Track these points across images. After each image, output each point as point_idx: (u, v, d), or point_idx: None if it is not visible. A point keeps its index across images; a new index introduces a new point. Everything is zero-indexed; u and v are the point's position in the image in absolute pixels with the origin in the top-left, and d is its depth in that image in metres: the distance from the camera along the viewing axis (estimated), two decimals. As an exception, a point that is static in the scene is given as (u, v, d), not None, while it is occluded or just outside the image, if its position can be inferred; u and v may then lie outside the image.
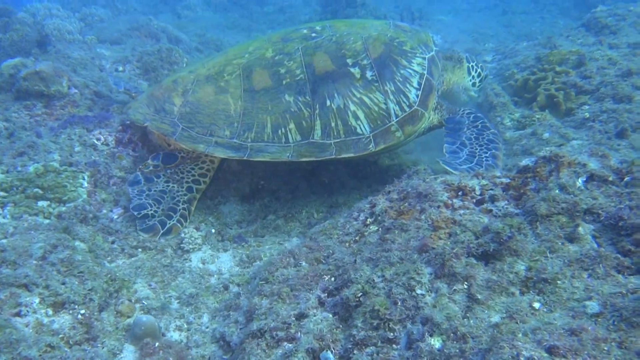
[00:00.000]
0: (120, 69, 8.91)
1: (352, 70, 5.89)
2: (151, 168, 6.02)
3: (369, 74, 5.89)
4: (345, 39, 6.12)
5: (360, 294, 3.57)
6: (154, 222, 5.48)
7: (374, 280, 3.60)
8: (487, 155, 5.62)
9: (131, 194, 5.72)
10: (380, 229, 4.31)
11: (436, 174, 4.96)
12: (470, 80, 7.18)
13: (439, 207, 4.14)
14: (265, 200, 6.34)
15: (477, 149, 5.77)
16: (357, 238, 4.46)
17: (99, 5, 13.74)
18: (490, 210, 3.98)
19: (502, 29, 16.22)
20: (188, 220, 5.76)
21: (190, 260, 5.21)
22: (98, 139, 6.33)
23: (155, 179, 5.93)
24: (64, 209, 5.36)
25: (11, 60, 7.10)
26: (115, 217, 5.56)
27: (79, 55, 8.96)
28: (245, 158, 5.76)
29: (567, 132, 6.60)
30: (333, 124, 5.77)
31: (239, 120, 5.83)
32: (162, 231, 5.45)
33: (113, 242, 5.16)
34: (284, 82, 5.88)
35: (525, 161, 4.44)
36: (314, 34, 6.25)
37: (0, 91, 6.96)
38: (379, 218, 4.45)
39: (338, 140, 5.78)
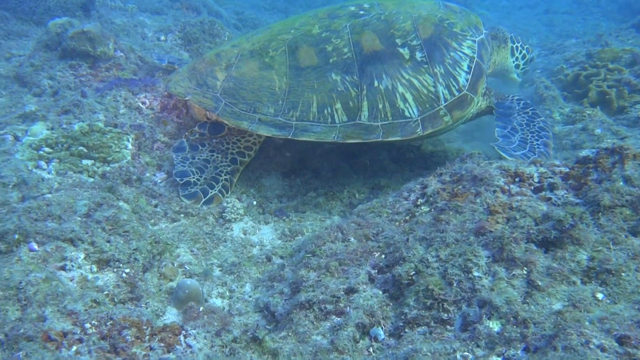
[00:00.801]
0: (162, 38, 8.86)
1: (401, 50, 5.73)
2: (197, 136, 5.92)
3: (418, 55, 5.73)
4: (394, 17, 5.94)
5: (413, 272, 3.51)
6: (196, 189, 5.41)
7: (427, 259, 3.53)
8: (538, 142, 5.51)
9: (175, 159, 5.64)
10: (432, 209, 4.22)
11: (490, 160, 4.86)
12: (514, 62, 7.00)
13: (495, 191, 4.05)
14: (306, 177, 6.23)
15: (528, 135, 5.65)
16: (407, 217, 4.38)
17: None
18: (549, 199, 3.89)
19: (544, 28, 15.98)
20: (230, 192, 5.67)
21: (232, 230, 5.15)
22: (143, 103, 6.28)
23: (200, 147, 5.84)
24: (108, 168, 5.32)
25: (59, 19, 7.07)
26: (159, 181, 5.51)
27: (122, 22, 8.92)
28: (289, 137, 5.62)
29: (619, 130, 6.46)
30: (380, 106, 5.62)
31: (283, 98, 5.67)
32: (204, 199, 5.38)
33: (156, 206, 5.10)
34: (330, 60, 5.72)
35: (585, 152, 4.33)
36: (362, 12, 6.07)
37: (46, 49, 6.92)
38: (431, 199, 4.36)
39: (385, 122, 5.63)
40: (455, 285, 3.31)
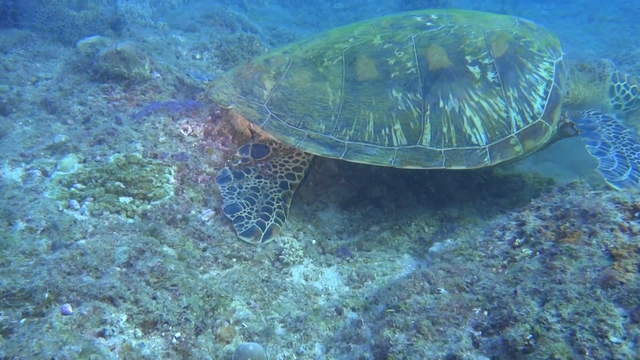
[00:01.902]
0: (198, 56, 8.33)
1: (471, 69, 5.13)
2: (240, 162, 5.43)
3: (490, 76, 5.13)
4: (465, 32, 5.35)
5: (530, 336, 2.86)
6: (252, 224, 4.88)
7: (547, 319, 2.89)
8: (637, 157, 4.80)
9: (222, 192, 5.15)
10: (537, 252, 3.58)
11: (595, 189, 4.20)
12: (613, 102, 6.22)
13: (612, 230, 3.44)
14: (367, 209, 5.61)
15: (623, 149, 4.91)
16: (506, 262, 3.73)
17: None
18: None
19: (591, 37, 15.31)
20: (286, 219, 5.17)
21: (291, 275, 4.49)
22: (185, 129, 5.69)
23: (246, 175, 5.35)
24: (149, 207, 4.71)
25: (89, 38, 6.57)
26: (206, 219, 4.87)
27: (154, 40, 8.42)
28: (341, 158, 5.07)
29: None
30: (445, 130, 5.04)
31: (337, 113, 5.14)
32: (262, 233, 4.85)
33: (205, 250, 4.47)
34: (392, 74, 5.16)
35: None
36: (429, 23, 5.49)
37: (76, 71, 6.42)
38: (532, 239, 3.72)
39: (449, 148, 5.05)
40: (588, 354, 2.66)
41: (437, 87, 5.10)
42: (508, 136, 5.09)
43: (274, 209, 5.13)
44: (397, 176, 5.94)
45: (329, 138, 5.12)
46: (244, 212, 5.01)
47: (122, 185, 4.80)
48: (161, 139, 5.49)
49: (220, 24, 10.67)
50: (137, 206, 4.68)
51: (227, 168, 5.38)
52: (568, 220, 3.67)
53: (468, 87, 5.10)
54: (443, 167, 5.05)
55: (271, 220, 5.01)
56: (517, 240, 3.84)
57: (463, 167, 5.08)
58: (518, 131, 5.11)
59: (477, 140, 5.06)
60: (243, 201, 5.09)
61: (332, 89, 5.24)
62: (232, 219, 4.93)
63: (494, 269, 3.72)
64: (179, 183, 5.10)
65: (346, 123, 5.13)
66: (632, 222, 3.50)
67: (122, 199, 4.72)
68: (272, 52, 5.95)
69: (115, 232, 4.08)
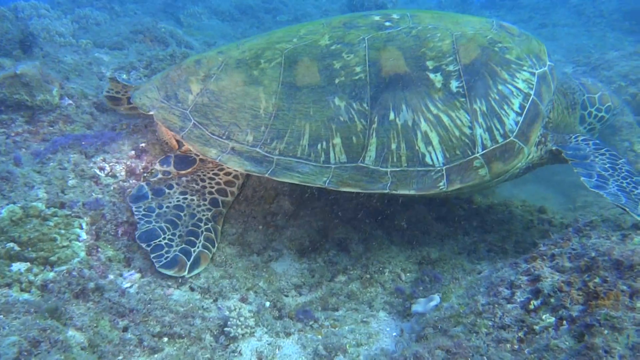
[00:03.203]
0: (124, 76, 7.21)
1: (431, 76, 4.38)
2: (160, 176, 4.63)
3: (454, 85, 4.37)
4: (429, 34, 4.57)
5: None
6: (175, 252, 4.05)
7: None
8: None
9: (136, 214, 4.24)
10: (564, 322, 2.78)
11: (616, 227, 3.44)
12: (586, 128, 5.46)
13: None
14: (330, 254, 4.62)
15: (623, 183, 4.10)
16: (522, 335, 2.90)
17: (93, 7, 12.23)
18: None
19: (548, 42, 14.81)
20: (216, 245, 4.35)
21: (241, 354, 3.40)
22: (101, 169, 4.59)
23: (167, 191, 4.52)
24: (51, 275, 3.54)
25: (-18, 61, 5.53)
26: (127, 285, 3.77)
27: (73, 60, 7.31)
28: (266, 175, 4.35)
29: None
30: (394, 146, 4.30)
31: (268, 123, 4.44)
32: (189, 263, 4.04)
33: (126, 329, 3.35)
34: (336, 80, 4.43)
35: None
36: (388, 23, 4.71)
37: (-33, 102, 5.29)
38: (552, 301, 2.92)
39: (397, 169, 4.30)
40: None
41: (389, 96, 4.36)
42: (471, 157, 4.32)
43: (202, 231, 4.31)
44: (363, 211, 5.07)
45: (255, 151, 4.40)
46: (164, 238, 4.13)
47: (17, 248, 3.61)
48: (70, 182, 4.30)
49: (151, 40, 9.64)
50: (35, 275, 3.46)
51: (143, 184, 4.51)
52: (597, 275, 2.89)
53: (426, 97, 4.34)
54: (387, 191, 4.27)
55: (198, 246, 4.19)
56: (532, 302, 3.01)
57: (412, 192, 4.28)
58: (484, 151, 4.33)
59: (432, 160, 4.30)
60: (163, 225, 4.22)
61: (266, 95, 4.52)
62: (149, 248, 4.02)
63: (509, 345, 2.88)
64: (92, 239, 3.93)
65: (277, 135, 4.41)
66: (680, 275, 2.75)
67: (16, 267, 3.54)
68: (207, 52, 5.22)
69: (2, 316, 3.10)
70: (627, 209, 3.58)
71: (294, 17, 17.51)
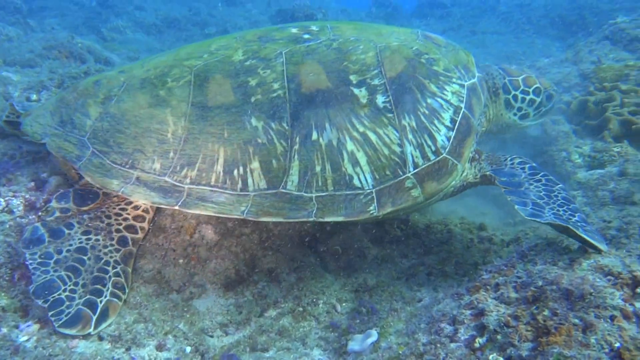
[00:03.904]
0: (34, 97, 6.64)
1: (356, 91, 4.06)
2: (57, 214, 3.99)
3: (380, 100, 4.07)
4: (351, 46, 4.25)
5: None
6: (78, 307, 3.45)
7: None
8: (577, 220, 3.59)
9: (30, 264, 3.60)
10: (513, 361, 2.53)
11: (567, 252, 3.21)
12: (516, 114, 5.16)
13: (613, 319, 2.48)
14: (259, 287, 4.19)
15: (559, 211, 3.73)
16: (469, 379, 2.63)
17: (5, 23, 11.51)
18: None
19: (477, 50, 14.92)
20: (127, 291, 3.81)
21: None
22: (-4, 204, 3.96)
23: (67, 231, 3.88)
24: None
25: None
26: (24, 339, 3.19)
27: (-26, 81, 6.80)
28: (177, 207, 3.87)
29: (674, 173, 5.00)
30: (318, 169, 3.94)
31: (177, 148, 3.97)
32: (94, 317, 3.47)
33: None
34: (252, 98, 4.04)
35: None
36: (306, 35, 4.37)
37: None
38: (499, 338, 2.66)
39: (323, 194, 3.95)
40: None
41: (311, 114, 4.01)
42: (402, 177, 4.04)
43: (110, 277, 3.73)
44: (294, 237, 4.72)
45: (163, 181, 3.93)
46: (65, 290, 3.53)
47: None
48: (-45, 221, 3.85)
49: (66, 57, 9.04)
50: None
51: (38, 225, 3.86)
52: (546, 307, 2.66)
53: (351, 114, 4.03)
54: (313, 219, 3.89)
55: (106, 295, 3.63)
56: (477, 340, 2.75)
57: (341, 219, 3.93)
58: (415, 170, 4.06)
59: (360, 182, 3.99)
60: (63, 274, 3.61)
61: (174, 117, 4.04)
62: (46, 304, 3.41)
63: (455, 390, 2.61)
64: (-17, 288, 3.53)
65: (188, 161, 3.96)
66: (636, 304, 2.54)
67: None
68: (107, 72, 4.69)
69: None
70: (571, 226, 3.30)
71: (222, 29, 17.18)
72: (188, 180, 3.94)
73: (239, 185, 3.93)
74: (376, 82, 4.12)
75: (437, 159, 4.12)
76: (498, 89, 5.07)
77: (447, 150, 4.15)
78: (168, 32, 16.79)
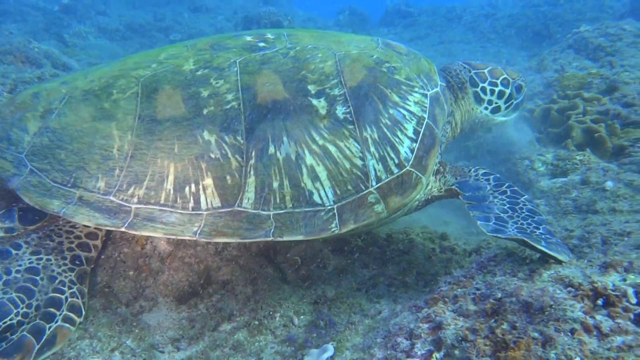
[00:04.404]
0: None
1: (315, 102, 3.86)
2: (2, 234, 3.77)
3: (340, 111, 3.87)
4: (309, 54, 4.05)
5: None
6: (22, 334, 3.17)
7: None
8: (542, 232, 3.51)
9: None
10: (471, 379, 2.43)
11: (529, 263, 3.12)
12: (487, 107, 5.05)
13: (574, 332, 2.40)
14: (213, 300, 4.02)
15: (523, 224, 3.64)
16: (424, 396, 2.53)
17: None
18: None
19: (444, 58, 14.98)
20: (84, 313, 3.54)
21: None
22: None
23: (14, 252, 3.63)
24: None
25: None
26: None
27: None
28: (123, 229, 3.56)
29: (634, 180, 4.93)
30: (276, 185, 3.71)
31: (123, 165, 3.67)
32: (37, 345, 3.18)
33: None
34: (204, 110, 3.78)
35: None
36: (262, 44, 4.15)
37: None
38: (457, 353, 2.56)
39: (281, 211, 3.72)
40: None
41: (267, 126, 3.77)
42: (365, 192, 3.84)
43: (67, 298, 3.49)
44: (251, 247, 4.57)
45: (109, 200, 3.62)
46: (17, 315, 3.27)
47: None
48: None
49: (21, 61, 8.77)
50: None
51: None
52: (505, 320, 2.56)
53: (310, 126, 3.81)
54: (271, 239, 3.65)
55: (57, 320, 3.36)
56: (434, 355, 2.64)
57: (300, 238, 3.71)
58: (378, 184, 3.87)
59: (321, 198, 3.76)
60: (14, 295, 3.34)
61: (120, 132, 3.75)
62: None
63: (410, 409, 2.49)
64: None
65: (135, 178, 3.66)
66: (597, 317, 2.45)
67: None
68: (47, 83, 4.36)
69: None
70: (529, 240, 3.19)
71: (187, 36, 17.00)
72: (135, 200, 3.65)
73: (191, 204, 3.67)
74: (336, 92, 3.93)
75: (401, 172, 3.96)
76: (464, 83, 4.98)
77: (410, 163, 3.98)
78: (132, 38, 16.56)
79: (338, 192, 3.80)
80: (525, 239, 3.14)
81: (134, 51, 15.05)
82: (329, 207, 3.79)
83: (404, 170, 3.96)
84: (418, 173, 3.99)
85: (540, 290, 2.61)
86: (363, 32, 18.91)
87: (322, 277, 4.40)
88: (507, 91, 4.99)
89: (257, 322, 3.90)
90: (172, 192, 3.66)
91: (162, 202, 3.65)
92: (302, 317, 4.00)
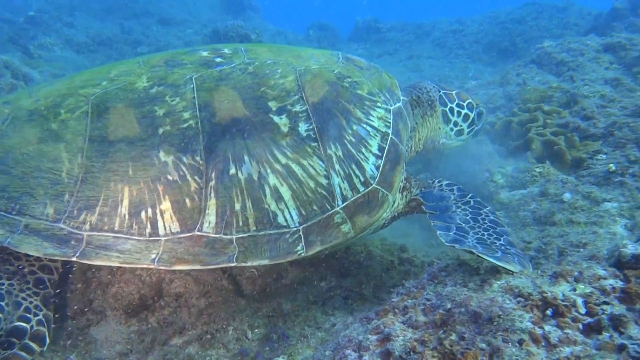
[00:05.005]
0: None
1: (276, 119, 3.71)
2: None
3: (303, 128, 3.75)
4: (268, 70, 3.91)
5: None
6: None
7: None
8: (502, 243, 3.48)
9: None
10: (417, 392, 2.36)
11: (481, 274, 3.07)
12: (452, 129, 5.11)
13: (522, 343, 2.35)
14: (165, 313, 3.86)
15: (484, 235, 3.60)
16: (370, 411, 2.45)
17: None
18: (623, 348, 2.27)
19: (412, 74, 15.07)
20: (48, 342, 3.29)
21: None
22: None
23: None
24: None
25: None
26: None
27: None
28: (74, 259, 3.30)
29: (591, 192, 4.94)
30: (238, 207, 3.53)
31: (73, 189, 3.41)
32: None
33: None
34: (160, 130, 3.56)
35: (631, 248, 2.81)
36: (218, 59, 3.98)
37: None
38: (406, 365, 2.49)
39: (245, 234, 3.54)
40: None
41: (227, 145, 3.60)
42: (331, 211, 3.71)
43: (32, 326, 3.26)
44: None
45: (58, 228, 3.35)
46: None
47: None
48: None
49: (-21, 72, 8.69)
50: None
51: None
52: (454, 331, 2.50)
53: (272, 144, 3.66)
54: (234, 264, 3.50)
55: (15, 348, 3.12)
56: (382, 367, 2.57)
57: (265, 262, 3.56)
58: (345, 204, 3.76)
59: (286, 219, 3.61)
60: None
61: (69, 154, 3.49)
62: None
63: None
64: None
65: (87, 204, 3.40)
66: (545, 327, 2.41)
67: None
68: None
69: None
70: (475, 251, 3.11)
71: (155, 49, 16.83)
72: (87, 227, 3.39)
73: (148, 229, 3.43)
74: (297, 108, 3.80)
75: (367, 190, 3.86)
76: (434, 101, 4.97)
77: (376, 180, 3.90)
78: (99, 51, 16.34)
79: (303, 212, 3.66)
80: (473, 250, 3.09)
81: (100, 64, 14.88)
82: (295, 229, 3.64)
83: (370, 188, 3.88)
84: (384, 191, 3.92)
85: (490, 300, 2.56)
86: (333, 47, 18.98)
87: (279, 290, 4.31)
88: (472, 115, 5.08)
89: (209, 336, 3.78)
90: (127, 217, 3.43)
91: (116, 228, 3.41)
92: (256, 330, 3.90)
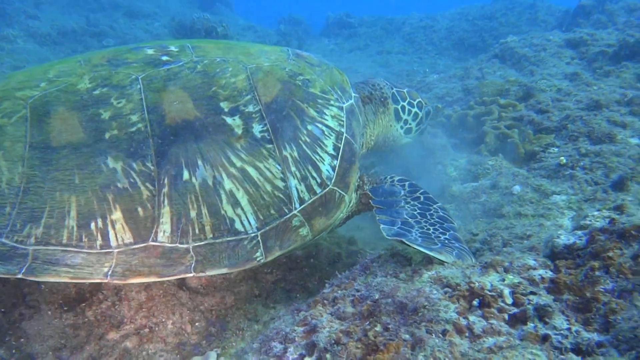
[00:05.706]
0: None
1: (229, 120, 3.57)
2: None
3: (257, 129, 3.62)
4: (218, 68, 3.76)
5: None
6: None
7: None
8: (448, 238, 3.46)
9: None
10: (337, 383, 2.32)
11: (413, 263, 3.04)
12: (402, 127, 5.13)
13: (445, 333, 2.33)
14: (103, 306, 3.72)
15: (430, 229, 3.57)
16: (291, 402, 2.41)
17: None
18: (546, 338, 2.26)
19: (381, 69, 15.09)
20: None
21: None
22: None
23: None
24: None
25: None
26: None
27: None
28: (20, 276, 3.09)
29: (541, 184, 4.95)
30: (194, 214, 3.38)
31: (15, 201, 3.18)
32: None
33: None
34: (106, 134, 3.36)
35: (564, 238, 2.78)
36: (165, 57, 3.79)
37: None
38: (328, 357, 2.44)
39: (201, 243, 3.40)
40: None
41: (179, 149, 3.43)
42: (288, 215, 3.63)
43: None
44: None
45: (0, 243, 3.14)
46: None
47: None
48: None
49: None
50: None
51: None
52: (379, 322, 2.46)
53: (226, 147, 3.52)
54: (192, 274, 3.36)
55: None
56: (305, 359, 2.53)
57: (225, 271, 3.45)
58: (302, 206, 3.68)
59: (243, 225, 3.49)
60: None
61: (8, 163, 3.25)
62: None
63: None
64: None
65: (31, 216, 3.18)
66: (471, 317, 2.38)
67: None
68: None
69: None
70: (405, 240, 3.11)
71: (122, 42, 16.64)
72: (32, 240, 3.17)
73: (99, 241, 3.23)
74: (251, 108, 3.66)
75: (324, 191, 3.79)
76: (387, 99, 4.94)
77: (333, 181, 3.83)
78: (63, 44, 16.08)
79: (261, 217, 3.55)
80: (403, 240, 3.06)
81: (64, 56, 14.67)
82: (253, 235, 3.53)
83: (327, 189, 3.81)
84: (341, 191, 3.86)
85: (416, 290, 2.53)
86: (306, 43, 18.95)
87: (224, 283, 4.24)
88: (420, 114, 5.11)
89: (147, 330, 3.70)
90: (75, 229, 3.22)
91: (64, 241, 3.20)
92: (196, 324, 3.83)
